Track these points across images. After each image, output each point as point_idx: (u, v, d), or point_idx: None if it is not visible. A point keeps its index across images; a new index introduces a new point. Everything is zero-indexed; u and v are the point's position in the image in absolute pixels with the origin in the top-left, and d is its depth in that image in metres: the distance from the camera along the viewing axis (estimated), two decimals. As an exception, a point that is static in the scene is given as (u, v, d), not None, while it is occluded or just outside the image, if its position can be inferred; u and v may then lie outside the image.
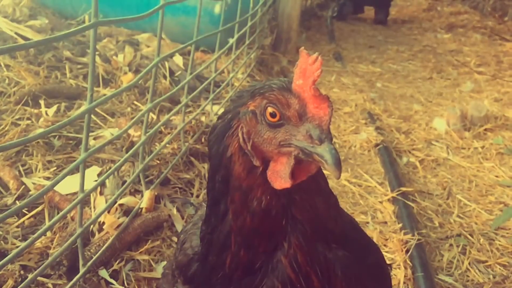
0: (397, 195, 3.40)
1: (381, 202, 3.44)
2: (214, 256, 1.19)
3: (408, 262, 2.74)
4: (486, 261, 2.91)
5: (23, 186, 2.70)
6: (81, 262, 2.16)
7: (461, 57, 7.41)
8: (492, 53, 7.66)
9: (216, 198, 1.16)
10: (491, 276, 2.79)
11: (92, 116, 3.47)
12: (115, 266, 2.35)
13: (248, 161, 1.11)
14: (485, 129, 4.67)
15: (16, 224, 2.48)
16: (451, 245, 3.04)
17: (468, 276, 2.79)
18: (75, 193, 2.65)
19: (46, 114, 3.48)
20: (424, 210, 3.40)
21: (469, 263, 2.88)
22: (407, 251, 2.81)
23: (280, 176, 1.09)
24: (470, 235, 3.15)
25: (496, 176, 3.94)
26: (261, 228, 1.12)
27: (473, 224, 3.27)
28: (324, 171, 1.14)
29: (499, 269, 2.85)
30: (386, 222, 3.22)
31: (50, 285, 2.17)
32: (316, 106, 1.04)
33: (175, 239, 2.62)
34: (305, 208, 1.14)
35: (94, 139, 3.27)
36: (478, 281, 2.75)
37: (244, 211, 1.11)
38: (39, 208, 2.59)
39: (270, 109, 1.08)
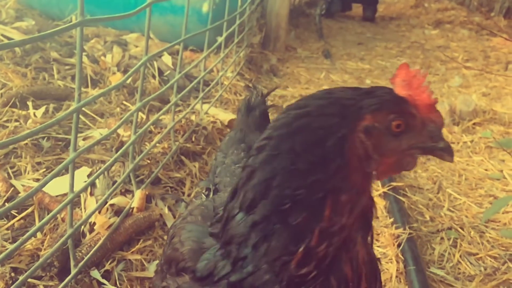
0: (388, 190, 3.41)
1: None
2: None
3: (400, 256, 2.75)
4: (477, 254, 2.93)
5: (12, 188, 2.67)
6: (72, 263, 2.15)
7: (449, 52, 7.46)
8: (479, 48, 7.73)
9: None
10: (482, 268, 2.81)
11: (81, 117, 3.45)
12: (107, 267, 2.34)
13: (363, 168, 1.16)
14: (474, 123, 4.70)
15: (6, 226, 2.46)
16: (442, 238, 3.06)
17: (459, 268, 2.81)
18: (65, 195, 2.62)
19: (35, 115, 3.44)
20: (415, 205, 3.42)
21: (460, 256, 2.90)
22: (398, 245, 2.82)
23: (401, 168, 1.25)
24: (461, 228, 3.17)
25: (485, 170, 3.97)
26: (353, 225, 1.14)
27: (463, 217, 3.30)
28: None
29: (490, 261, 2.88)
30: (377, 217, 3.23)
31: (41, 286, 2.15)
32: (432, 111, 1.21)
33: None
34: (373, 200, 1.22)
35: (84, 139, 3.25)
36: (470, 273, 2.77)
37: (347, 209, 1.12)
38: (29, 210, 2.56)
39: (397, 121, 1.18)
